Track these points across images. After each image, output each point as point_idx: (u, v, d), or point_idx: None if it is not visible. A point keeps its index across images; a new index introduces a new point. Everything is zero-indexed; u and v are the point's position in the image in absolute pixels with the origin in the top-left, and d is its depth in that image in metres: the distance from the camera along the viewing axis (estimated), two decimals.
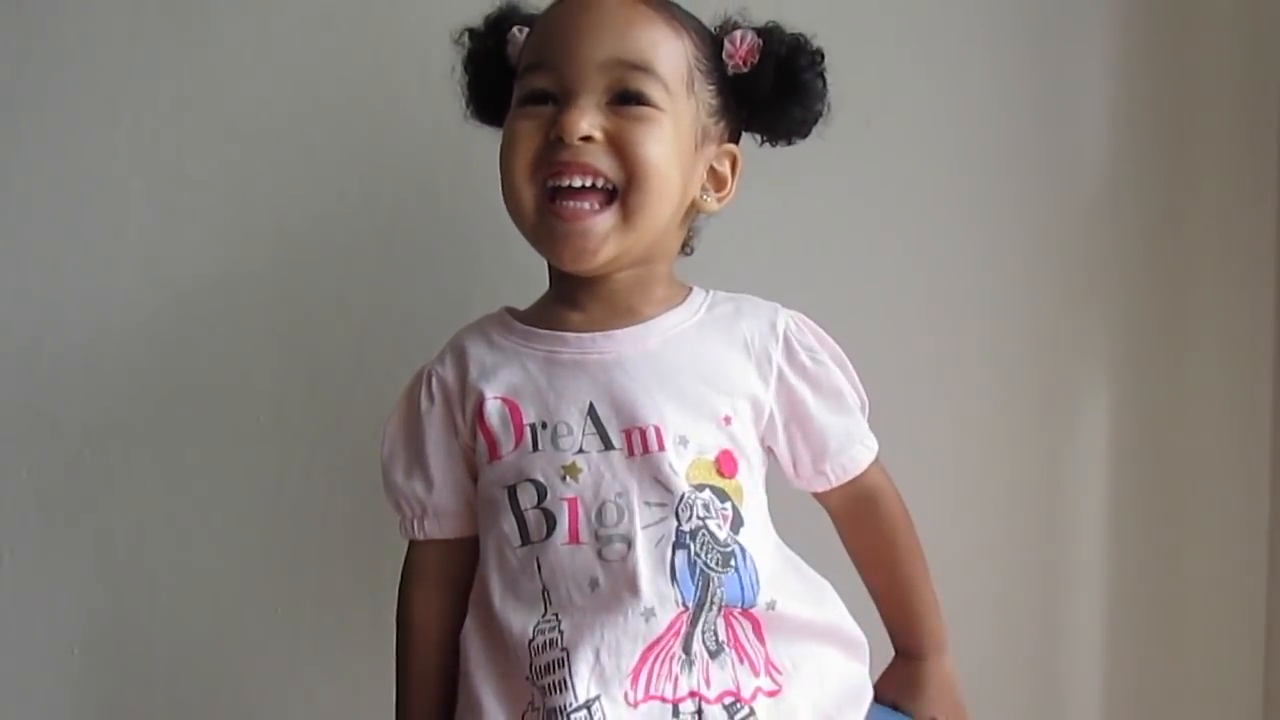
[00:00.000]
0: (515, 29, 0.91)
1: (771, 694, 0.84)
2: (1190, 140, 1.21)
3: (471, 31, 0.94)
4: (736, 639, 0.84)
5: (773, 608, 0.85)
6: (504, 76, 0.91)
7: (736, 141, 0.92)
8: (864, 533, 0.96)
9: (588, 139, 0.82)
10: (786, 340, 0.90)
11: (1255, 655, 1.23)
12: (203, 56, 1.12)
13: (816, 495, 0.95)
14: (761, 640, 0.85)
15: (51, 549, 1.13)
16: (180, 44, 1.12)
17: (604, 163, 0.83)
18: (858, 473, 0.93)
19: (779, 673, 0.85)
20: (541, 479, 0.84)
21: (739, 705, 0.82)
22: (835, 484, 0.93)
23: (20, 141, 1.12)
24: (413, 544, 0.92)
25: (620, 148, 0.83)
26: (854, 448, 0.92)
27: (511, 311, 0.93)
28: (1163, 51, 1.21)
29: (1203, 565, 1.22)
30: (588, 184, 0.83)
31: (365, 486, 1.12)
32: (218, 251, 1.13)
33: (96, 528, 1.13)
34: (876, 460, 0.94)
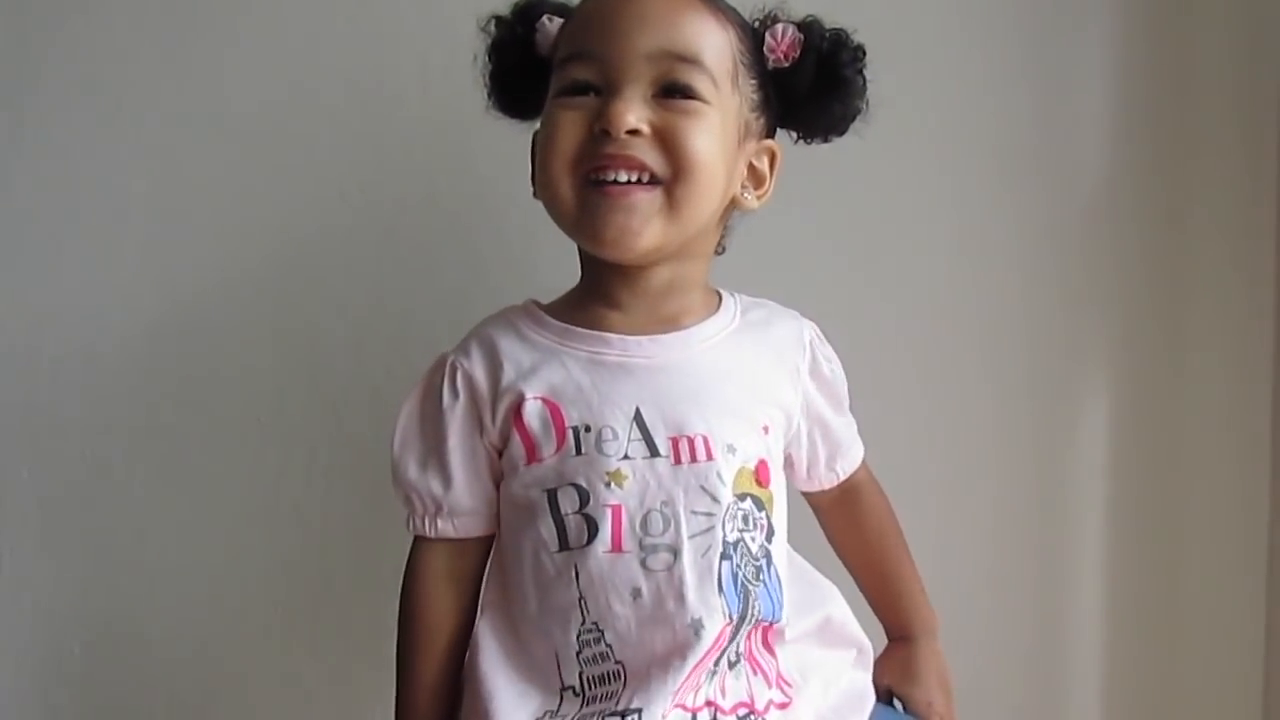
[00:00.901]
0: (545, 18, 0.88)
1: (782, 706, 0.84)
2: (1190, 140, 1.21)
3: (498, 19, 0.91)
4: (750, 650, 0.83)
5: (786, 621, 0.85)
6: (530, 67, 0.88)
7: (772, 137, 0.91)
8: (856, 523, 0.98)
9: (634, 132, 0.80)
10: (811, 351, 0.92)
11: (1255, 655, 1.23)
12: (203, 56, 1.12)
13: (809, 493, 0.97)
14: (772, 652, 0.85)
15: (51, 549, 1.13)
16: (180, 44, 1.12)
17: (650, 157, 0.81)
18: (857, 466, 0.96)
19: (789, 685, 0.85)
20: (584, 484, 0.81)
21: (752, 717, 0.82)
22: (840, 480, 0.95)
23: (20, 141, 1.12)
24: (420, 541, 0.89)
25: (667, 141, 0.81)
26: (854, 444, 0.96)
27: (539, 305, 0.90)
28: (1163, 52, 1.21)
29: (1203, 565, 1.22)
30: (632, 179, 0.81)
31: (365, 486, 1.12)
32: (218, 251, 1.13)
33: (96, 528, 1.13)
34: None
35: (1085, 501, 1.22)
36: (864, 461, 0.97)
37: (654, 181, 0.81)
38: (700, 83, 0.82)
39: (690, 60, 0.82)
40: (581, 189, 0.82)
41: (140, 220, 1.13)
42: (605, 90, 0.82)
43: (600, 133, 0.81)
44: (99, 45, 1.12)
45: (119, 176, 1.12)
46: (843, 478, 0.96)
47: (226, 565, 1.14)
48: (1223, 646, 1.23)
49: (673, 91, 0.82)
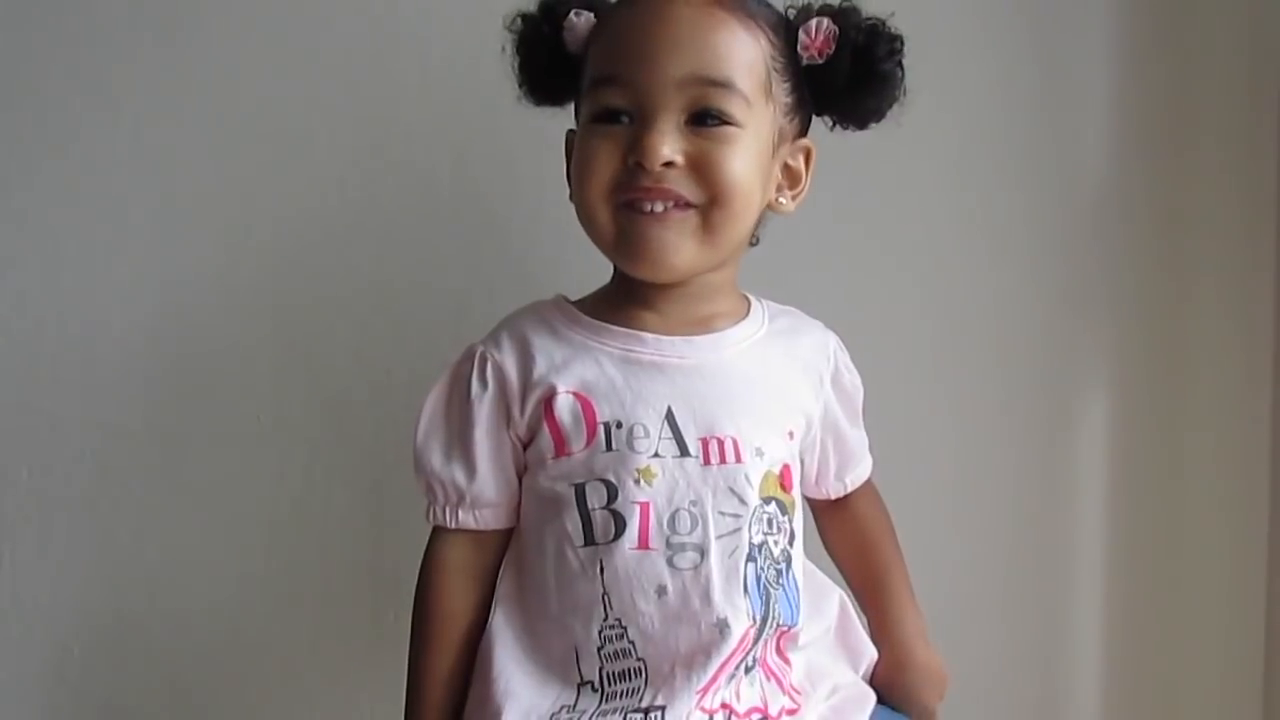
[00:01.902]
0: (573, 14, 0.86)
1: (791, 713, 0.84)
2: (1190, 140, 1.21)
3: (525, 16, 0.90)
4: (764, 657, 0.84)
5: (801, 626, 0.86)
6: (560, 60, 0.87)
7: (807, 130, 0.90)
8: (853, 529, 0.98)
9: (668, 164, 0.80)
10: (835, 362, 0.93)
11: (1255, 655, 1.23)
12: (203, 56, 1.12)
13: (815, 499, 0.97)
14: (786, 659, 0.85)
15: (51, 549, 1.13)
16: (180, 44, 1.12)
17: (684, 186, 0.81)
18: (864, 480, 0.97)
19: (798, 693, 0.85)
20: (613, 479, 0.81)
21: None
22: (849, 490, 0.96)
23: (20, 141, 1.12)
24: (439, 532, 0.89)
25: (702, 171, 0.81)
26: (865, 458, 0.97)
27: (570, 301, 0.90)
28: (1163, 52, 1.21)
29: (1203, 565, 1.22)
30: (669, 205, 0.81)
31: (365, 486, 1.12)
32: (218, 251, 1.13)
33: (96, 528, 1.13)
34: None
35: (1085, 501, 1.22)
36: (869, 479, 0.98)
37: (689, 204, 0.82)
38: (733, 106, 0.81)
39: (722, 84, 0.81)
40: (618, 214, 0.83)
41: (140, 220, 1.13)
42: (637, 118, 0.81)
43: (635, 165, 0.81)
44: (99, 45, 1.12)
45: (119, 176, 1.12)
46: (851, 488, 0.96)
47: (226, 565, 1.14)
48: (1223, 646, 1.23)
49: (705, 117, 0.81)
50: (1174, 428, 1.22)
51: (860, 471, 0.97)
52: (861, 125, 0.90)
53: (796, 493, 0.88)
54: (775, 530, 0.84)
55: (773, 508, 0.84)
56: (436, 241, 1.14)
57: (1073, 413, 1.22)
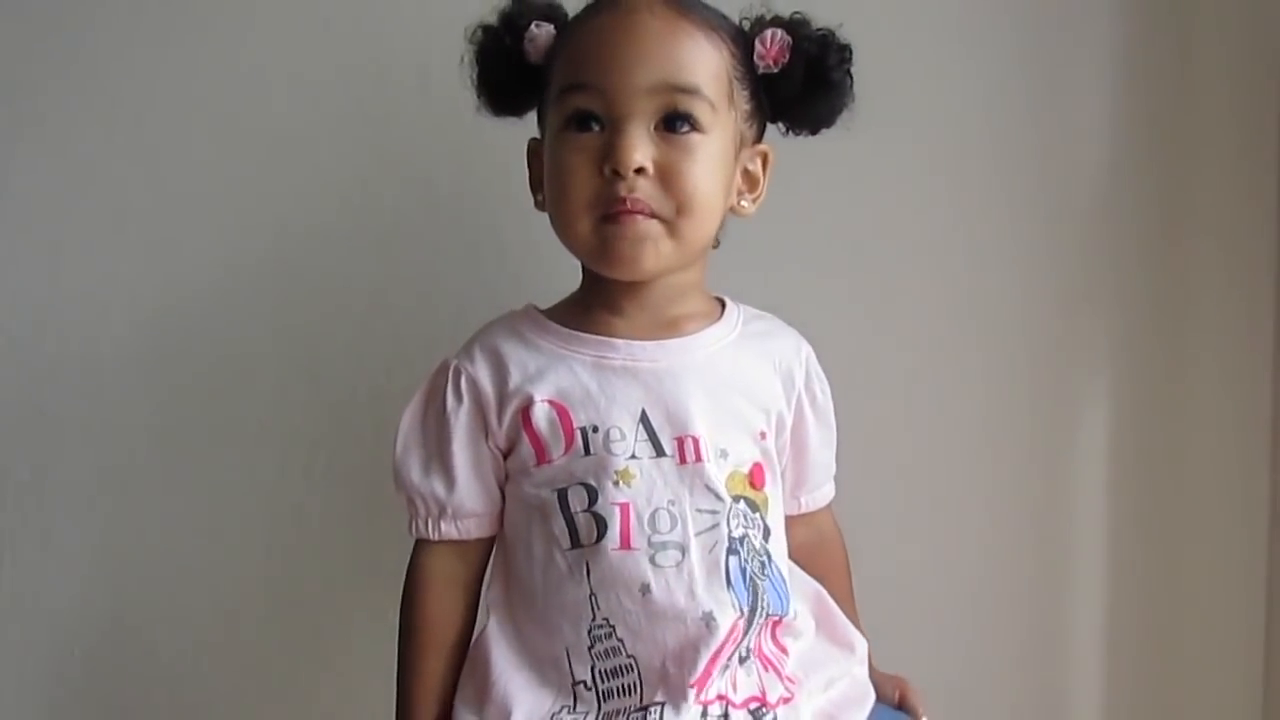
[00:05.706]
0: (534, 25, 0.89)
1: (786, 700, 0.85)
2: (1190, 140, 1.21)
3: (485, 28, 0.91)
4: (760, 647, 0.85)
5: (793, 616, 0.87)
6: (521, 71, 0.89)
7: (763, 136, 0.92)
8: (801, 557, 0.94)
9: (640, 170, 0.82)
10: (807, 368, 0.93)
11: (1255, 655, 1.23)
12: (203, 56, 1.12)
13: None
14: (782, 648, 0.86)
15: (51, 549, 1.13)
16: (180, 44, 1.12)
17: (654, 198, 0.83)
18: (821, 507, 0.97)
19: (793, 682, 0.86)
20: (593, 483, 0.83)
21: (764, 710, 0.83)
22: (801, 511, 0.96)
23: (20, 141, 1.12)
24: (422, 544, 0.90)
25: (670, 181, 0.83)
26: (827, 484, 0.97)
27: (539, 310, 0.91)
28: (1162, 52, 1.20)
29: (1203, 565, 1.22)
30: (640, 216, 0.83)
31: (365, 486, 1.12)
32: (218, 251, 1.13)
33: (97, 528, 1.13)
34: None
35: (1086, 503, 1.22)
36: (830, 510, 0.98)
37: (658, 216, 0.84)
38: (700, 110, 0.84)
39: (691, 90, 0.83)
40: (596, 224, 0.84)
41: (140, 220, 1.13)
42: (609, 124, 0.83)
43: (611, 173, 0.82)
44: (99, 45, 1.12)
45: (119, 176, 1.12)
46: (804, 510, 0.96)
47: (227, 565, 1.14)
48: (1223, 647, 1.23)
49: (675, 122, 0.83)
50: (1174, 428, 1.22)
51: (817, 496, 0.97)
52: (814, 130, 0.92)
53: (772, 490, 0.89)
54: (752, 525, 0.85)
55: (742, 505, 0.85)
56: (436, 244, 1.14)
57: (1073, 413, 1.22)
